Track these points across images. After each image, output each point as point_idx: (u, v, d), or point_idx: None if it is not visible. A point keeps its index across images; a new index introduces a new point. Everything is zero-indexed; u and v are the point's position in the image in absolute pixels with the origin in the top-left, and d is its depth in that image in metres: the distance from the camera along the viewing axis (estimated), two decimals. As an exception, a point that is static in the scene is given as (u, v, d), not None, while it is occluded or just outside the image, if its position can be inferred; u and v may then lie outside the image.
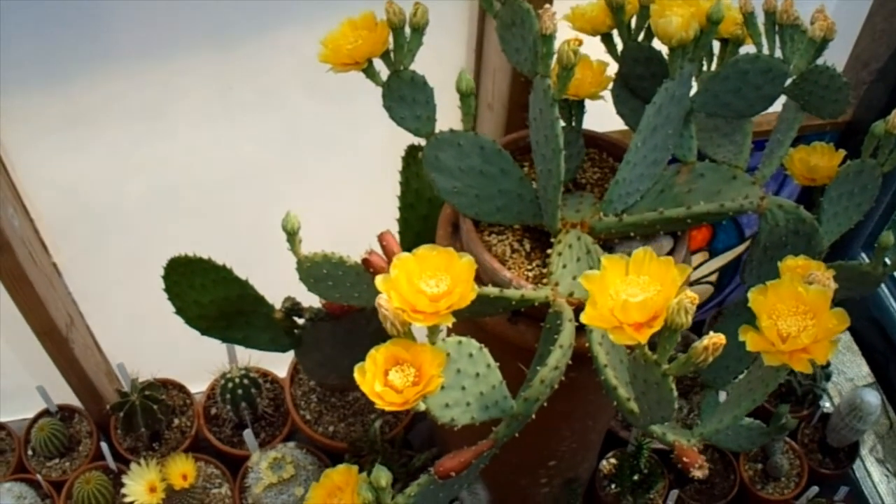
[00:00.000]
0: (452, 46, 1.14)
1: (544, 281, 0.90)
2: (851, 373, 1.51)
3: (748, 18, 0.96)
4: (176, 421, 1.42)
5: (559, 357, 0.83)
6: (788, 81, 0.98)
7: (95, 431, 1.40)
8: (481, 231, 0.97)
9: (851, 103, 1.35)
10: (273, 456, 1.27)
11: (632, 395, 0.79)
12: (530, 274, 0.93)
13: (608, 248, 0.97)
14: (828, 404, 1.50)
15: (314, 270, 0.93)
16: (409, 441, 1.40)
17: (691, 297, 0.66)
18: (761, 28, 0.97)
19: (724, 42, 1.03)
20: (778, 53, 0.97)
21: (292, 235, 0.90)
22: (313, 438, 1.36)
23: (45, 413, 1.40)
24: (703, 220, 0.94)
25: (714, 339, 0.66)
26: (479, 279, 0.95)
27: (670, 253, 0.97)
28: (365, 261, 0.86)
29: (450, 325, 0.72)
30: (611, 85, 1.01)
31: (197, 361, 1.42)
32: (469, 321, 1.00)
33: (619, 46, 0.99)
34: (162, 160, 1.26)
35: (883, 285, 1.44)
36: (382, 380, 0.70)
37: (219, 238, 1.21)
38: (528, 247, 0.96)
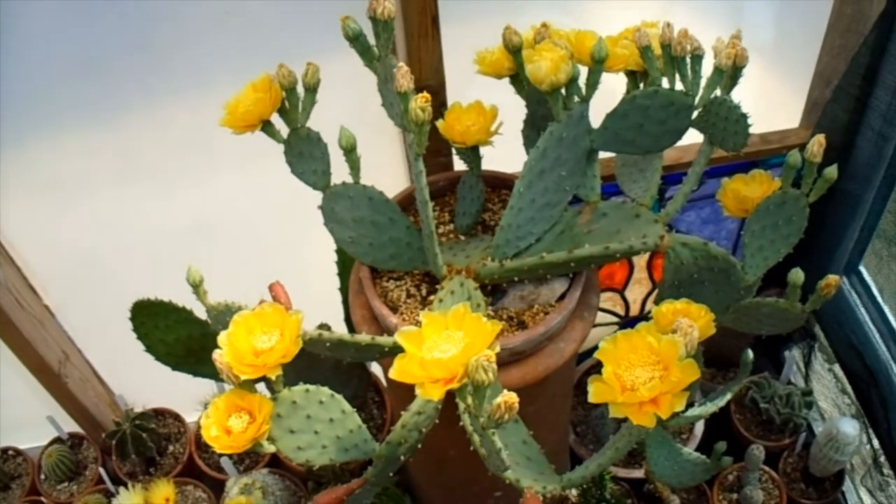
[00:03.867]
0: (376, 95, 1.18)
1: (425, 327, 0.93)
2: (840, 400, 1.43)
3: (643, 53, 0.96)
4: (171, 447, 1.52)
5: (422, 403, 0.86)
6: (695, 114, 0.97)
7: (100, 457, 1.52)
8: (381, 277, 1.01)
9: (810, 123, 1.29)
10: (245, 481, 1.35)
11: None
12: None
13: (501, 291, 0.98)
14: (821, 429, 1.43)
15: (221, 318, 0.99)
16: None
17: (488, 355, 0.68)
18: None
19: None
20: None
21: (196, 287, 0.97)
22: (287, 464, 1.43)
23: (57, 440, 1.53)
24: (588, 262, 0.94)
25: (506, 398, 0.68)
26: (377, 324, 0.99)
27: (563, 295, 0.97)
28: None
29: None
30: (513, 117, 1.02)
31: (196, 390, 1.52)
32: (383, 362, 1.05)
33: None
34: (145, 208, 1.37)
35: (865, 313, 1.36)
36: (221, 426, 0.75)
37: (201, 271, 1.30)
38: (424, 292, 0.99)
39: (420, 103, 0.82)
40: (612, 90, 1.01)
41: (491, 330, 0.70)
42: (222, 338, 0.77)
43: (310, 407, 0.81)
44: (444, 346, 0.71)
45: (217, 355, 0.75)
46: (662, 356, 0.77)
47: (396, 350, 0.90)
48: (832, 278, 0.95)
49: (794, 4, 1.30)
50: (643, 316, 1.52)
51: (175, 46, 1.16)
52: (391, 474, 0.91)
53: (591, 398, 0.77)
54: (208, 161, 1.32)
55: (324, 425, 0.82)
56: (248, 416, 0.75)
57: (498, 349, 0.69)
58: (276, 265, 1.48)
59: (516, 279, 0.95)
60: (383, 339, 0.88)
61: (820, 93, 1.27)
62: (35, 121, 1.20)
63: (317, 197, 1.04)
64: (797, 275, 0.96)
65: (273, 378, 0.76)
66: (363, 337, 0.88)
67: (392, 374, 0.71)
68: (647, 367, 0.77)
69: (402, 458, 0.87)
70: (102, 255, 1.41)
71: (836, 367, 1.45)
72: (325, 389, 0.82)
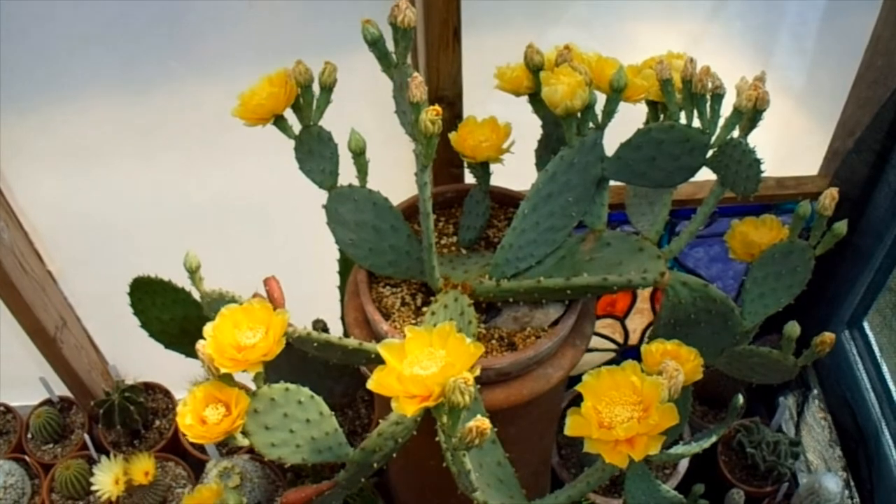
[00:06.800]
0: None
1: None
2: (828, 454, 1.42)
3: (663, 86, 0.94)
4: (157, 422, 1.53)
5: (401, 414, 0.86)
6: (710, 153, 0.95)
7: (88, 423, 1.53)
8: (378, 282, 1.01)
9: (829, 172, 1.28)
10: (224, 465, 1.35)
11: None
12: (412, 328, 0.96)
13: (496, 310, 0.98)
14: (805, 480, 1.41)
15: (215, 305, 0.99)
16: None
17: (466, 378, 0.67)
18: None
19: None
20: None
21: (192, 273, 0.97)
22: (270, 455, 1.44)
23: (47, 402, 1.54)
24: (585, 292, 0.94)
25: (478, 423, 0.67)
26: (369, 328, 0.99)
27: (556, 321, 0.96)
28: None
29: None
30: (528, 135, 1.02)
31: (188, 369, 1.53)
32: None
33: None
34: (158, 184, 1.37)
35: (863, 370, 1.34)
36: (197, 415, 0.75)
37: (209, 253, 1.31)
38: (419, 301, 0.99)
39: (430, 116, 0.81)
40: (635, 119, 1.01)
41: (473, 352, 0.70)
42: (207, 329, 0.77)
43: (288, 406, 0.81)
44: (425, 362, 0.71)
45: (200, 346, 0.76)
46: (644, 397, 0.76)
47: (382, 358, 0.90)
48: (828, 336, 0.94)
49: (829, 48, 1.29)
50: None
51: (199, 31, 1.17)
52: (363, 479, 0.91)
53: (567, 431, 0.76)
54: (226, 145, 1.32)
55: (300, 425, 0.82)
56: (224, 408, 0.76)
57: (478, 372, 0.69)
58: (284, 255, 1.49)
59: (511, 300, 0.95)
60: (370, 346, 0.88)
61: (842, 143, 1.25)
62: (55, 88, 1.21)
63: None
64: (793, 328, 0.95)
65: (253, 375, 0.76)
66: (350, 341, 0.88)
67: (370, 385, 0.71)
68: (627, 407, 0.76)
69: (375, 465, 0.87)
70: (110, 227, 1.42)
71: (829, 420, 1.43)
72: (306, 390, 0.83)
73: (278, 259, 1.44)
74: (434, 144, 0.84)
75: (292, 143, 0.98)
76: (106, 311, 1.54)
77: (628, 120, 0.99)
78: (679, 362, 0.82)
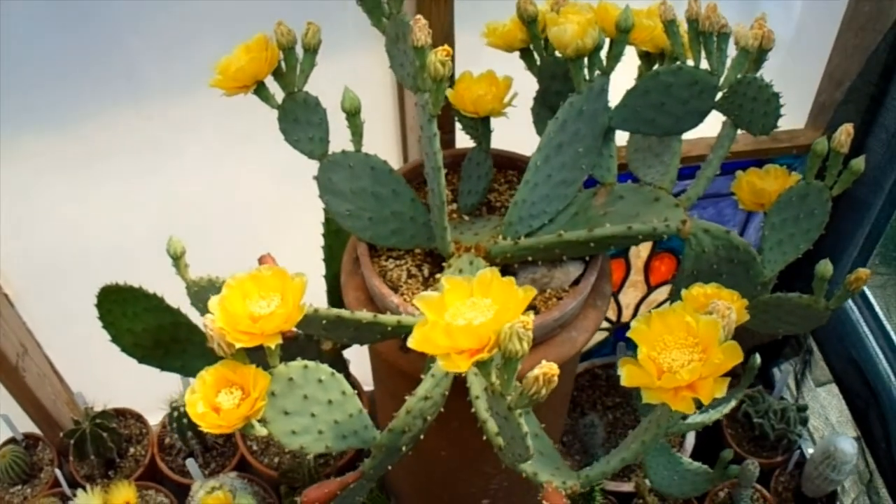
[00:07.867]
0: (374, 67, 1.11)
1: (431, 307, 0.85)
2: (834, 417, 1.39)
3: (668, 27, 0.90)
4: (131, 449, 1.41)
5: (430, 387, 0.79)
6: (719, 95, 0.91)
7: (56, 458, 1.40)
8: (380, 255, 0.93)
9: (821, 125, 1.26)
10: (211, 485, 1.25)
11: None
12: (424, 300, 0.88)
13: (511, 273, 0.91)
14: (810, 450, 1.38)
15: (202, 294, 0.90)
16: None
17: (524, 321, 0.60)
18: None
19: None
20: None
21: (177, 259, 0.88)
22: (258, 469, 1.33)
23: (11, 441, 1.41)
24: (609, 243, 0.88)
25: (545, 369, 0.60)
26: (374, 304, 0.91)
27: (578, 280, 0.90)
28: (243, 284, 0.83)
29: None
30: (515, 101, 0.96)
31: (159, 391, 1.41)
32: (370, 347, 0.96)
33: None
34: (104, 201, 1.27)
35: (865, 326, 1.31)
36: (210, 402, 0.66)
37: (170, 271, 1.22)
38: (426, 272, 0.92)
39: (440, 56, 0.75)
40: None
41: (524, 296, 0.63)
42: (214, 302, 0.68)
43: (307, 386, 0.72)
44: (469, 313, 0.63)
45: (208, 321, 0.66)
46: (701, 338, 0.70)
47: (399, 330, 0.82)
48: (862, 272, 0.90)
49: (811, 5, 1.27)
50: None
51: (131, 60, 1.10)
52: (389, 468, 0.83)
53: (624, 381, 0.69)
54: (176, 156, 1.26)
55: (321, 408, 0.73)
56: (239, 391, 0.67)
57: (533, 316, 0.62)
58: (251, 260, 1.40)
59: (529, 259, 0.88)
60: (386, 318, 0.80)
61: (829, 95, 1.23)
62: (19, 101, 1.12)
63: (295, 187, 0.96)
64: (825, 266, 0.91)
65: (272, 348, 0.68)
66: (364, 314, 0.80)
67: (412, 343, 0.62)
68: (684, 350, 0.70)
69: (403, 448, 0.79)
70: (68, 246, 1.31)
71: (830, 385, 1.39)
72: (325, 367, 0.74)
73: (246, 264, 1.35)
74: (443, 90, 0.77)
75: (244, 148, 0.89)
76: (65, 337, 1.42)
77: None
78: (724, 304, 0.76)
